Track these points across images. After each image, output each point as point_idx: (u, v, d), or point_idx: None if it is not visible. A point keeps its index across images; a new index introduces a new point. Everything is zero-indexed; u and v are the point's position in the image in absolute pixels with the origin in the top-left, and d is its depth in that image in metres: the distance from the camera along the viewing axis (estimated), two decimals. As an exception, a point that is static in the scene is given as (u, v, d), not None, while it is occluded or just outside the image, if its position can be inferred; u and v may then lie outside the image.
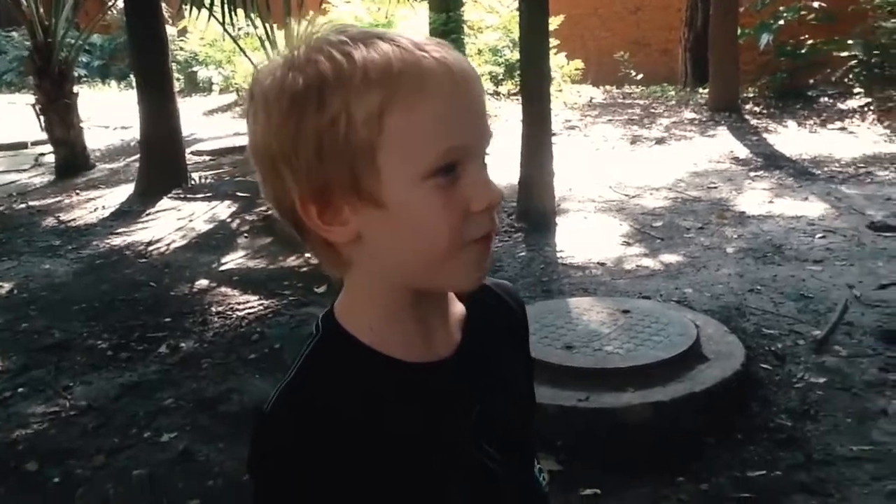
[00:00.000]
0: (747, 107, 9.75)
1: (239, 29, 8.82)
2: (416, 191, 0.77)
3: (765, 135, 8.39)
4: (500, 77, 11.00)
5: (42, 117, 8.00)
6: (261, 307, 4.37)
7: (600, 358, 3.17)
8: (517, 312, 1.03)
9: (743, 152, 7.62)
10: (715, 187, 6.42)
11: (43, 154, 8.98)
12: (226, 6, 6.50)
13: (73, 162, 8.17)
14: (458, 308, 0.92)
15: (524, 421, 0.99)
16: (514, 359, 1.01)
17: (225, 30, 7.05)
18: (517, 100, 7.90)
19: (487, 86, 10.32)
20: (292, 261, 4.99)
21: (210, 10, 6.60)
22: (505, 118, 8.83)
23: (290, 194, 0.79)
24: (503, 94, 10.65)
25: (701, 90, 10.64)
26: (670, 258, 4.83)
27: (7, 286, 4.96)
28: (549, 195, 5.61)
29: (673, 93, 11.08)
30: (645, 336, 3.32)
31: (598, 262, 4.79)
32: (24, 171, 8.67)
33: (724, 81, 9.59)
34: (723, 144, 7.97)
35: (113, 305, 4.53)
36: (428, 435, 0.85)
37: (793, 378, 3.31)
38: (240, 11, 6.65)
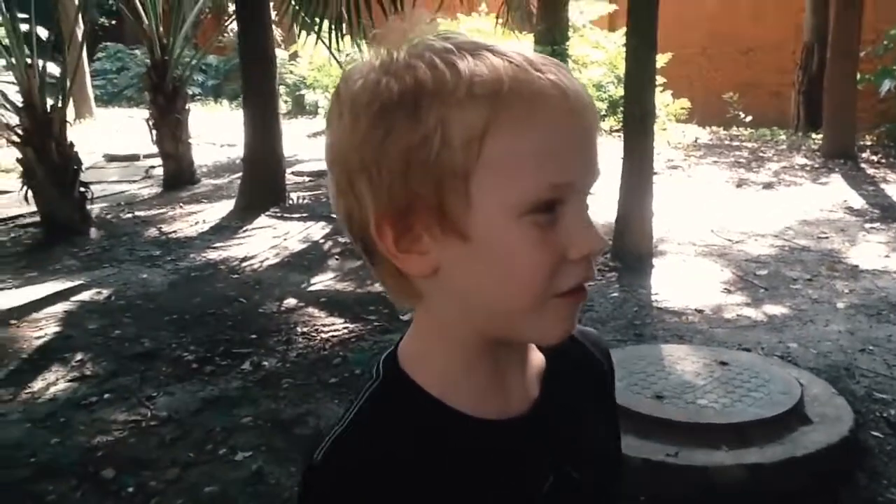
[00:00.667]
0: (864, 155, 9.27)
1: (346, 55, 8.98)
2: (509, 227, 0.67)
3: (882, 185, 7.94)
4: (604, 113, 10.84)
5: (154, 131, 8.33)
6: (345, 331, 4.34)
7: (693, 411, 2.98)
8: (604, 366, 0.91)
9: (858, 202, 7.22)
10: (826, 237, 6.08)
11: (153, 167, 9.36)
12: (333, 32, 6.60)
13: (179, 175, 8.46)
14: (537, 358, 0.82)
15: (606, 489, 0.88)
16: (598, 419, 0.90)
17: (331, 54, 7.17)
18: (619, 136, 7.73)
19: (589, 121, 10.15)
20: (379, 286, 4.95)
21: (318, 34, 6.73)
22: (606, 154, 8.65)
23: (365, 212, 0.70)
24: (605, 131, 10.48)
25: (814, 136, 10.20)
26: (774, 309, 4.56)
27: (105, 292, 5.10)
28: (647, 235, 5.42)
29: (783, 137, 10.67)
30: (743, 391, 3.10)
31: (695, 309, 4.56)
32: (135, 182, 9.04)
33: (839, 127, 9.16)
34: (836, 193, 7.57)
35: (202, 318, 4.59)
36: (493, 501, 0.75)
37: (906, 450, 3.03)
38: (347, 38, 6.74)
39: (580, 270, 0.70)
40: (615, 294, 4.83)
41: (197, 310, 4.71)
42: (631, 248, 5.35)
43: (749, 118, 11.30)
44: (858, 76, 9.22)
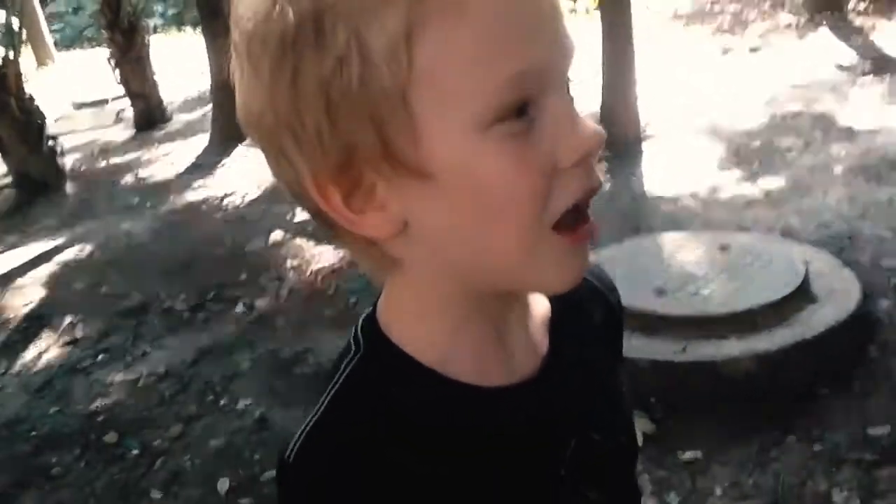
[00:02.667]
0: (850, 5, 8.93)
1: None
2: (475, 146, 0.53)
3: (872, 36, 7.65)
4: (578, -8, 10.42)
5: (117, 71, 8.02)
6: (336, 259, 4.23)
7: (697, 303, 2.90)
8: (612, 304, 0.79)
9: (848, 57, 6.96)
10: (817, 99, 5.89)
11: (122, 109, 9.05)
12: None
13: (150, 115, 8.18)
14: (541, 305, 0.69)
15: (630, 445, 0.78)
16: (612, 367, 0.78)
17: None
18: (597, 15, 7.43)
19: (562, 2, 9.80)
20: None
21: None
22: (583, 37, 8.36)
23: (302, 177, 0.57)
24: (580, 11, 10.10)
25: (798, -10, 9.82)
26: (771, 183, 4.43)
27: (89, 248, 4.99)
28: (634, 120, 5.24)
29: (766, -5, 10.28)
30: (746, 276, 3.02)
31: (690, 193, 4.43)
32: (107, 127, 8.76)
33: (824, -22, 8.79)
34: (824, 49, 7.31)
35: (190, 264, 4.48)
36: (511, 481, 0.64)
37: (919, 317, 2.96)
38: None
39: (579, 180, 0.56)
40: (606, 186, 4.69)
41: (183, 256, 4.60)
42: (618, 136, 5.15)
43: (729, -20, 10.87)
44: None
